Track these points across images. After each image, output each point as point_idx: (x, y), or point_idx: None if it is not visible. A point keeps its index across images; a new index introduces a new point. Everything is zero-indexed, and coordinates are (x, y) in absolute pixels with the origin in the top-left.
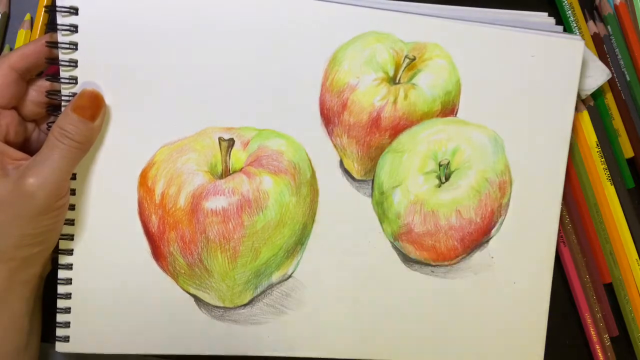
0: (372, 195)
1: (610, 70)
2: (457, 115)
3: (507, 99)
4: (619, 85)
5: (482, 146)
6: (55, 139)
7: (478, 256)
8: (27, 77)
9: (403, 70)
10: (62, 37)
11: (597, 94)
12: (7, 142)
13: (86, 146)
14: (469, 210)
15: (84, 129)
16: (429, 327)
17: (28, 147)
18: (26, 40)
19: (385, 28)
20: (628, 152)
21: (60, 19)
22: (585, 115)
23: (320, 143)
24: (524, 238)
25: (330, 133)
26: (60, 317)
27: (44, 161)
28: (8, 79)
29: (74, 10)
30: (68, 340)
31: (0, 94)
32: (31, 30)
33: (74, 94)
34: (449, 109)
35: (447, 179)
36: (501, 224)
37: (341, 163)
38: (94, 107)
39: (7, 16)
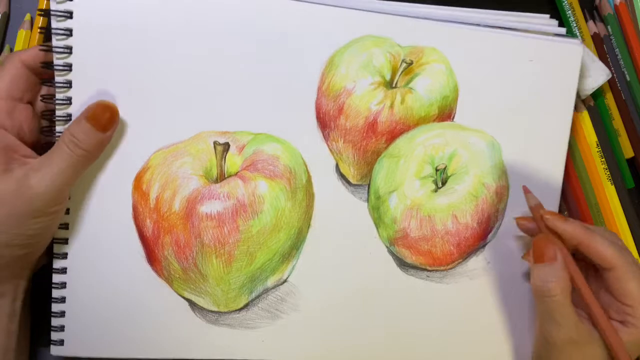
0: (368, 200)
1: (610, 70)
2: (454, 120)
3: (504, 103)
4: (619, 85)
5: (479, 151)
6: (65, 145)
7: (474, 261)
8: (37, 72)
9: (400, 75)
10: (56, 41)
11: (597, 94)
12: (21, 137)
13: (94, 155)
14: (465, 215)
15: (94, 139)
16: (425, 331)
17: (41, 145)
18: (26, 40)
19: (383, 32)
20: (628, 152)
21: (55, 23)
22: (585, 115)
23: (316, 147)
24: (521, 243)
25: (326, 137)
26: (54, 321)
27: (48, 165)
28: (20, 71)
29: (68, 14)
30: (63, 344)
31: (14, 87)
32: (31, 30)
33: (68, 99)
34: (446, 114)
35: (443, 183)
36: (497, 229)
37: (337, 167)
38: (108, 118)
39: (7, 16)
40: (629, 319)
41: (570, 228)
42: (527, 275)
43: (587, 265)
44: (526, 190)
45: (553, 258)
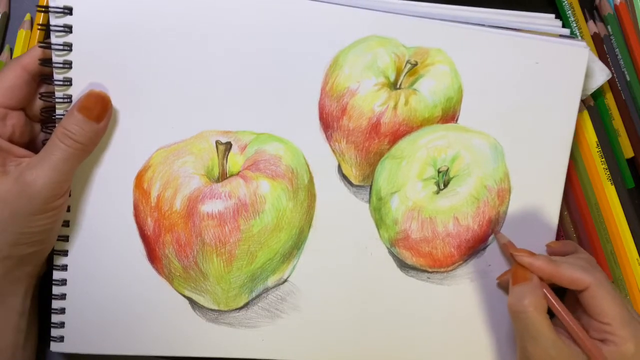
0: (369, 201)
1: (610, 70)
2: (458, 122)
3: (509, 105)
4: (619, 85)
5: (482, 153)
6: (58, 140)
7: (475, 263)
8: (37, 78)
9: (404, 76)
10: (55, 39)
11: (597, 94)
12: (12, 142)
13: (89, 147)
14: (466, 217)
15: (88, 130)
16: (424, 333)
17: (34, 146)
18: (26, 40)
19: (388, 32)
20: (628, 152)
21: (54, 20)
22: (585, 115)
23: (318, 148)
24: (522, 246)
25: (329, 138)
26: (55, 318)
27: (43, 161)
28: (20, 80)
29: (67, 10)
30: (63, 341)
31: (11, 95)
32: (31, 30)
33: (68, 96)
34: (449, 115)
35: (445, 185)
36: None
37: (339, 168)
38: (100, 108)
39: (7, 16)
40: (608, 337)
41: (537, 262)
42: None
43: (571, 296)
44: (496, 232)
45: (528, 279)
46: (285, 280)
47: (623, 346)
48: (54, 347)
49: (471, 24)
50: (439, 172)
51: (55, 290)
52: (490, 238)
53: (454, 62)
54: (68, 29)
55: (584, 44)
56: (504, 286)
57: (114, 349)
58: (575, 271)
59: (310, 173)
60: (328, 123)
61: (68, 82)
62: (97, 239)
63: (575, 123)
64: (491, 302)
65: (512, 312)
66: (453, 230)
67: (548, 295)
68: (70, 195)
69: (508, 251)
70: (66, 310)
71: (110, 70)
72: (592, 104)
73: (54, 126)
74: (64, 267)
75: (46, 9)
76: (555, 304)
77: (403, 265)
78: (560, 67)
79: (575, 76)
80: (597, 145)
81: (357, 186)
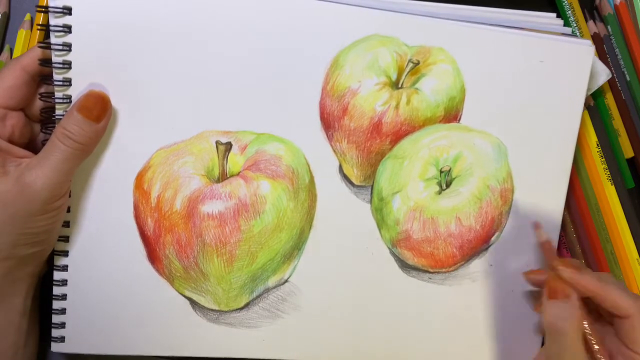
0: (371, 201)
1: (610, 70)
2: (461, 121)
3: (512, 105)
4: (619, 85)
5: (484, 153)
6: (57, 140)
7: (477, 264)
8: (37, 78)
9: (406, 75)
10: (55, 39)
11: (597, 94)
12: (12, 142)
13: (89, 148)
14: (468, 218)
15: (88, 130)
16: (426, 333)
17: (34, 147)
18: (26, 40)
19: (389, 31)
20: (628, 152)
21: (53, 20)
22: (585, 115)
23: (319, 148)
24: (524, 246)
25: (330, 138)
26: (55, 318)
27: (43, 162)
28: (19, 81)
29: (67, 10)
30: (63, 341)
31: (11, 95)
32: (31, 30)
33: (68, 97)
34: (452, 115)
35: (447, 185)
36: (501, 231)
37: (340, 168)
38: (99, 108)
39: (7, 16)
40: None
41: (584, 280)
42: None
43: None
44: (537, 226)
45: (567, 295)
46: (286, 281)
47: None
48: (55, 347)
49: (473, 22)
50: (441, 172)
51: (56, 290)
52: (493, 238)
53: (457, 61)
54: (67, 29)
55: (589, 42)
56: (533, 283)
57: (114, 349)
58: (622, 296)
59: (311, 173)
60: (329, 123)
61: (68, 82)
62: (98, 240)
63: (579, 122)
64: (493, 302)
65: (551, 330)
66: (455, 231)
67: (585, 321)
68: (70, 196)
69: (547, 252)
70: (67, 311)
71: (110, 70)
72: (592, 104)
73: (54, 126)
74: (65, 268)
75: (46, 9)
76: (589, 331)
77: (404, 265)
78: (564, 65)
79: (580, 75)
80: (597, 145)
81: (358, 186)
